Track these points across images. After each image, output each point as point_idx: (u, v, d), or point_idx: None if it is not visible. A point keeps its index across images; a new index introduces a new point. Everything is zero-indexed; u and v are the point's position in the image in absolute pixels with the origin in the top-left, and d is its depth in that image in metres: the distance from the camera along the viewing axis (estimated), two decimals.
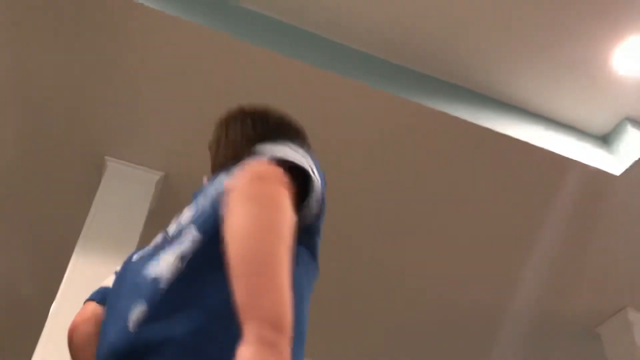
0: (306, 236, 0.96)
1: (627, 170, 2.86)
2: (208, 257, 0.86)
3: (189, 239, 0.90)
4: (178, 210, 3.36)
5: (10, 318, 3.93)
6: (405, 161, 2.97)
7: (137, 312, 0.86)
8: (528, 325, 3.81)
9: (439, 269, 3.51)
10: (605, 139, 3.03)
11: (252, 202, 0.75)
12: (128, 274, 1.04)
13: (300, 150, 0.95)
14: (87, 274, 2.65)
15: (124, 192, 2.94)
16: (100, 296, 1.14)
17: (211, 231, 0.87)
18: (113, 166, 2.99)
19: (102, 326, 1.01)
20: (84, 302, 1.18)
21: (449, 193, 3.10)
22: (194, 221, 0.94)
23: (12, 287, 3.79)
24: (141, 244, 2.80)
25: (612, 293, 3.57)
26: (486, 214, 3.18)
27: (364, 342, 4.05)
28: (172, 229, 1.03)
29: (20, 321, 3.82)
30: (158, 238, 1.06)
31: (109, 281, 1.17)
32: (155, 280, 0.88)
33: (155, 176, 3.04)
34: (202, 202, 0.98)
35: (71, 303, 2.53)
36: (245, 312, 0.70)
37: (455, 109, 2.77)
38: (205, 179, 1.23)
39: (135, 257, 1.11)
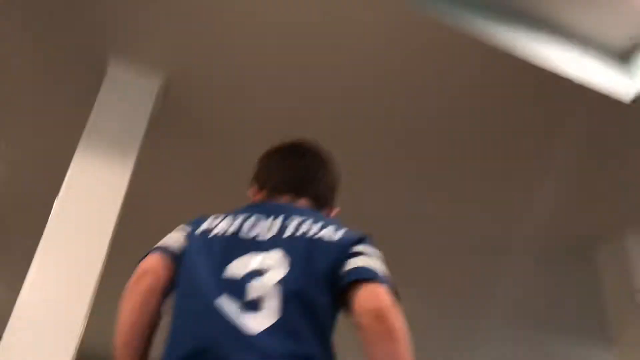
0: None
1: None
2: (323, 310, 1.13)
3: (314, 293, 1.12)
4: (179, 117, 3.05)
5: (13, 217, 4.03)
6: (408, 78, 2.84)
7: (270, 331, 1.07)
8: (529, 248, 3.83)
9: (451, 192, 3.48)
10: (622, 58, 2.86)
11: (398, 336, 1.06)
12: (207, 252, 1.20)
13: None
14: (86, 179, 2.64)
15: (125, 96, 2.88)
16: (167, 254, 1.24)
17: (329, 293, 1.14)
18: (115, 70, 2.91)
19: (188, 302, 1.14)
20: (148, 253, 1.26)
21: (455, 115, 2.98)
22: (302, 267, 1.14)
23: (13, 188, 3.81)
24: (143, 151, 2.79)
25: (612, 217, 3.56)
26: (492, 137, 3.09)
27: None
28: (246, 228, 1.23)
29: (22, 220, 3.90)
30: (233, 225, 1.25)
31: (172, 242, 1.27)
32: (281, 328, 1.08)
33: (157, 81, 2.96)
34: (302, 246, 1.17)
35: (70, 208, 2.55)
36: None
37: (459, 18, 2.60)
38: (253, 193, 1.43)
39: (202, 228, 1.26)
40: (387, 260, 1.26)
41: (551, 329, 4.93)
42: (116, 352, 1.16)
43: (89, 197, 2.61)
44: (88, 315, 2.40)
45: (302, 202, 1.35)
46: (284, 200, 1.35)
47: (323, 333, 1.10)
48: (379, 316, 1.05)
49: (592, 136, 3.04)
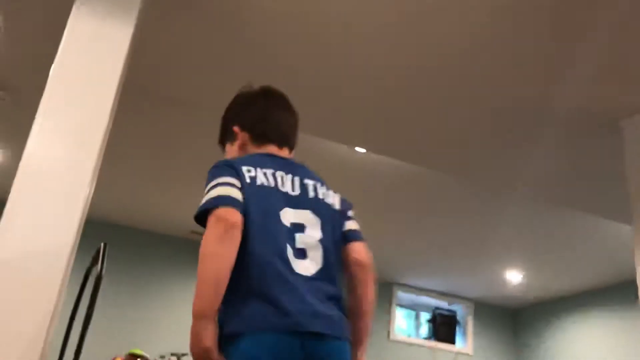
0: None
1: None
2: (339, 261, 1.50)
3: (333, 248, 1.47)
4: None
5: (13, 78, 3.88)
6: None
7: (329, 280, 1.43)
8: (557, 119, 3.69)
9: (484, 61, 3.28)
10: None
11: (373, 279, 1.53)
12: (271, 205, 1.43)
13: None
14: (86, 33, 2.47)
15: None
16: (241, 210, 1.36)
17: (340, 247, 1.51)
18: None
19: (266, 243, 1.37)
20: (227, 205, 1.35)
21: None
22: (331, 223, 1.50)
23: (12, 48, 3.59)
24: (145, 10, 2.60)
25: None
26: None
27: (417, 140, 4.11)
28: (279, 182, 1.47)
29: (24, 80, 3.82)
30: (268, 178, 1.46)
31: (238, 196, 1.38)
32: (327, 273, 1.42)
33: None
34: (325, 208, 1.52)
35: (71, 63, 2.40)
36: (365, 341, 1.49)
37: None
38: (246, 138, 1.60)
39: (247, 179, 1.42)
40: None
41: (575, 204, 4.85)
42: (210, 292, 1.28)
43: (90, 53, 2.43)
44: (95, 176, 2.30)
45: (286, 152, 1.61)
46: (272, 149, 1.58)
47: (340, 279, 1.45)
48: (369, 266, 1.50)
49: (634, 9, 2.80)
